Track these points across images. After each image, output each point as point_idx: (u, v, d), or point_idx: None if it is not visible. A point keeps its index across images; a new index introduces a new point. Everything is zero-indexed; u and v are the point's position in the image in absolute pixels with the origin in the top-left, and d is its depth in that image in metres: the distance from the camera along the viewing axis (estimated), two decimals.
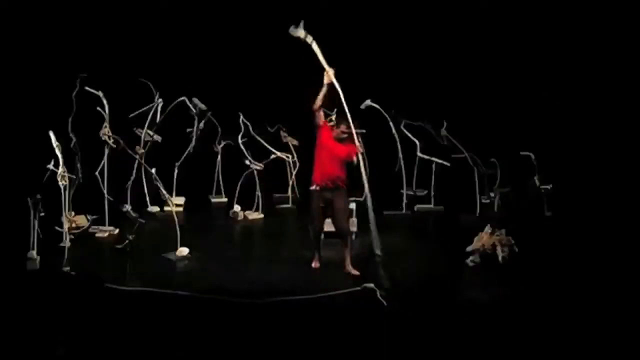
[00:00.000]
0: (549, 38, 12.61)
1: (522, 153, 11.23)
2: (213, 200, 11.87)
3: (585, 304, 7.55)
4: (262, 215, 11.07)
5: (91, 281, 8.07)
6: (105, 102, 9.83)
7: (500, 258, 8.61)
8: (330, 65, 8.16)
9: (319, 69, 9.05)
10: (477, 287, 8.19)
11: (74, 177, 9.43)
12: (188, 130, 11.26)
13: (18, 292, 7.74)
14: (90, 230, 9.80)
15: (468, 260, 8.76)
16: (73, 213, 9.71)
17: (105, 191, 9.96)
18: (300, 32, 8.19)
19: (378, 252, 8.09)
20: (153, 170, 9.75)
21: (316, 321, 7.43)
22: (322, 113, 8.46)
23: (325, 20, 9.08)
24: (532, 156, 11.15)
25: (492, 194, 11.58)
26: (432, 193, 11.48)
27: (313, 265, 8.83)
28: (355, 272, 8.46)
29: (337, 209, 8.39)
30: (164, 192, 9.54)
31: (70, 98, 9.97)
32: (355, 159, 8.28)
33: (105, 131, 9.72)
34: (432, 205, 11.48)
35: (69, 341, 6.74)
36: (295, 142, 11.84)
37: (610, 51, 12.48)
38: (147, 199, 11.14)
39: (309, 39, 8.19)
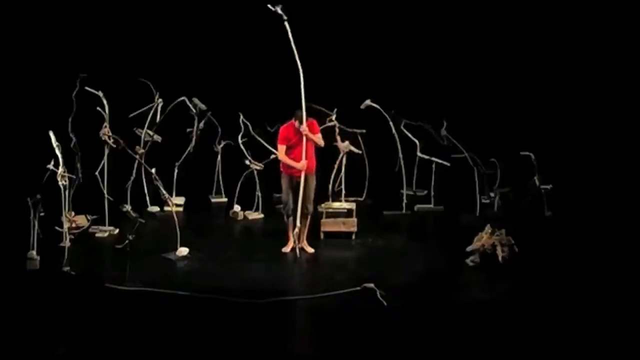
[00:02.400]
0: (549, 37, 12.59)
1: (522, 153, 11.20)
2: (213, 200, 11.85)
3: (585, 303, 7.55)
4: (262, 215, 11.06)
5: (91, 281, 8.07)
6: (105, 102, 9.83)
7: (500, 258, 8.60)
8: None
9: (318, 68, 9.07)
10: (477, 287, 8.19)
11: (74, 177, 9.42)
12: (188, 130, 11.25)
13: (18, 292, 7.75)
14: (90, 230, 9.79)
15: (468, 260, 8.75)
16: (73, 213, 9.71)
17: (105, 191, 9.95)
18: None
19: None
20: (153, 170, 9.74)
21: (316, 321, 7.44)
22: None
23: (325, 20, 9.04)
24: (532, 156, 11.13)
25: (492, 194, 11.56)
26: (432, 193, 11.45)
27: (284, 249, 9.16)
28: (310, 249, 9.19)
29: (305, 190, 9.03)
30: (164, 192, 9.53)
31: (70, 98, 9.96)
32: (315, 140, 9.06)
33: (105, 131, 9.72)
34: (432, 205, 11.46)
35: (69, 341, 6.75)
36: None
37: (610, 51, 12.46)
38: (147, 199, 11.14)
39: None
